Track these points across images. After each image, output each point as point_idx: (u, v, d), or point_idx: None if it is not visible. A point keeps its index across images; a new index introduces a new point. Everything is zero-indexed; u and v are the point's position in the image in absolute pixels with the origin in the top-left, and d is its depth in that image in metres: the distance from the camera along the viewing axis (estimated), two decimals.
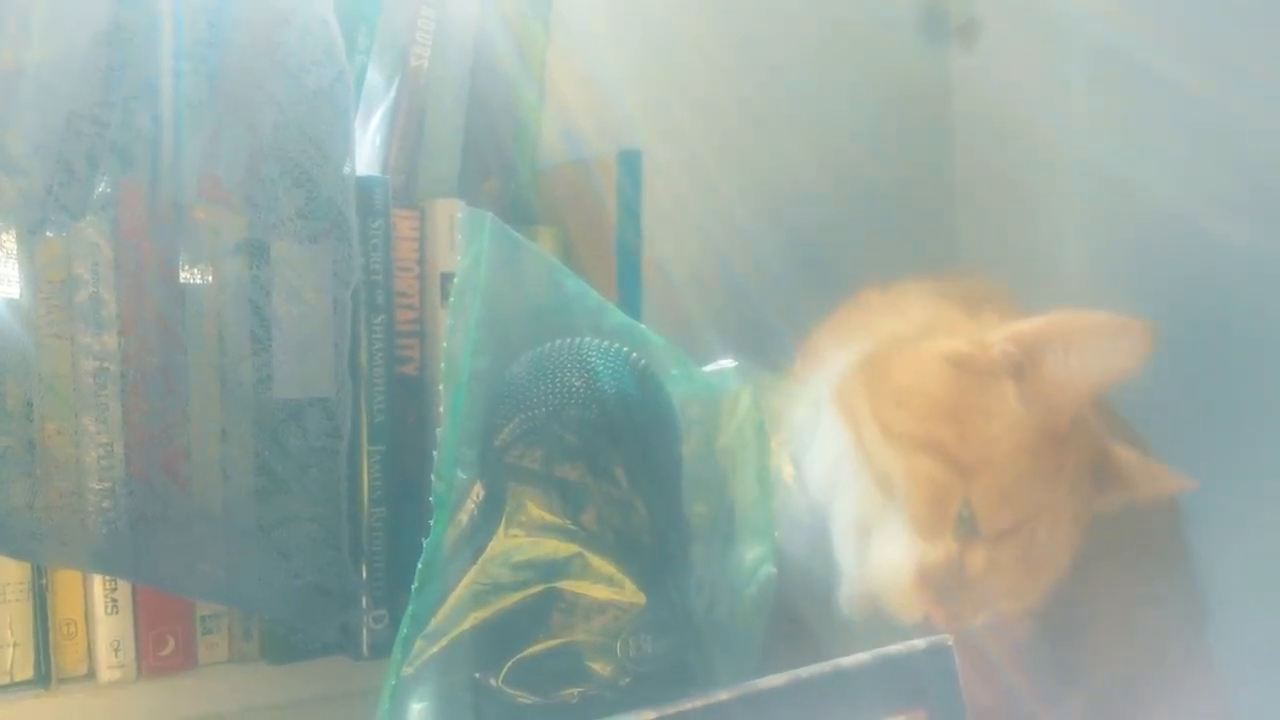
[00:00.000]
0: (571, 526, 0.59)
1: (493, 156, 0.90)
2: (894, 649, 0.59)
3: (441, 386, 0.62)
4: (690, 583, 0.63)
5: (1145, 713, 0.72)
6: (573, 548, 0.59)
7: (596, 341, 0.63)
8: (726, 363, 0.71)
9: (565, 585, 0.59)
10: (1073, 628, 0.70)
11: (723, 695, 0.57)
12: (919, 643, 0.59)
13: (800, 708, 0.57)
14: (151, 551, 0.73)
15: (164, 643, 0.76)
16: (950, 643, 0.60)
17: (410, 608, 0.59)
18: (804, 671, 0.57)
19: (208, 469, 0.74)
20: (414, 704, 0.59)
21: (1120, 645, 0.70)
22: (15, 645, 0.72)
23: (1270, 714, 0.77)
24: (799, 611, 0.72)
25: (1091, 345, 0.64)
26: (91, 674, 0.75)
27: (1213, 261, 0.92)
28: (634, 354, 0.63)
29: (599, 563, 0.59)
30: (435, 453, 0.60)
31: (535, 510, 0.59)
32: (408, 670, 0.59)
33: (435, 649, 0.59)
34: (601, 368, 0.61)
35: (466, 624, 0.59)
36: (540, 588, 0.59)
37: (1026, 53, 1.12)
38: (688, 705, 0.56)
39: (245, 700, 0.77)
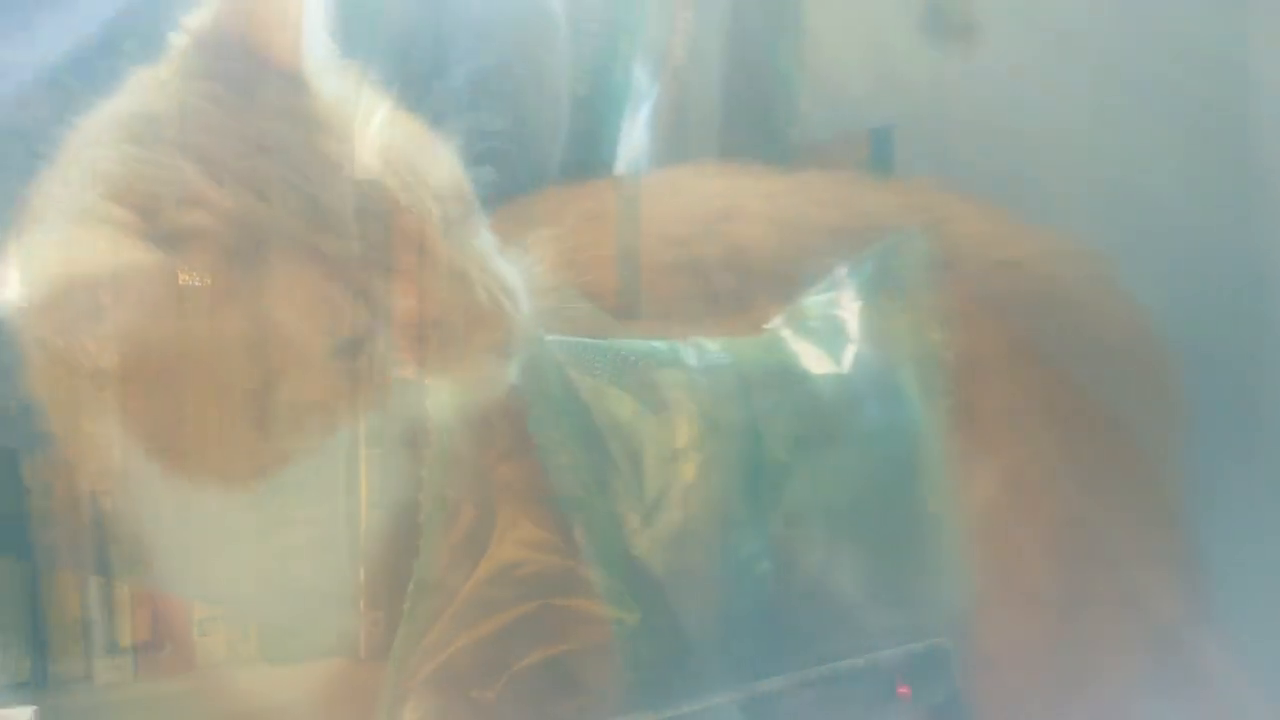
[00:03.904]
0: (564, 543, 0.59)
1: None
2: (890, 652, 0.59)
3: None
4: (685, 592, 0.62)
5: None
6: (567, 563, 0.59)
7: (584, 346, 0.62)
8: None
9: (559, 601, 0.58)
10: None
11: (720, 699, 0.57)
12: (916, 646, 0.60)
13: (797, 711, 0.58)
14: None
15: (161, 645, 0.76)
16: (949, 645, 0.60)
17: (402, 629, 0.58)
18: (800, 676, 0.58)
19: None
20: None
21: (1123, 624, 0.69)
22: (12, 646, 0.72)
23: None
24: None
25: None
26: (89, 676, 0.74)
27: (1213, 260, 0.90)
28: (624, 360, 0.62)
29: (593, 577, 0.59)
30: (424, 472, 0.59)
31: (528, 527, 0.59)
32: (403, 686, 0.58)
33: (430, 666, 0.58)
34: (588, 375, 0.61)
35: (460, 641, 0.58)
36: (534, 604, 0.58)
37: None
38: (685, 709, 0.56)
39: (242, 703, 0.77)
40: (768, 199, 0.73)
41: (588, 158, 0.81)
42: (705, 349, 0.63)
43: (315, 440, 0.52)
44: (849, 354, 0.64)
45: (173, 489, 0.54)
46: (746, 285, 0.68)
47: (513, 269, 0.57)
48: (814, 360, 0.63)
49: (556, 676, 0.59)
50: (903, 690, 0.60)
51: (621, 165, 0.82)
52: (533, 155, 0.78)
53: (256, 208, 0.49)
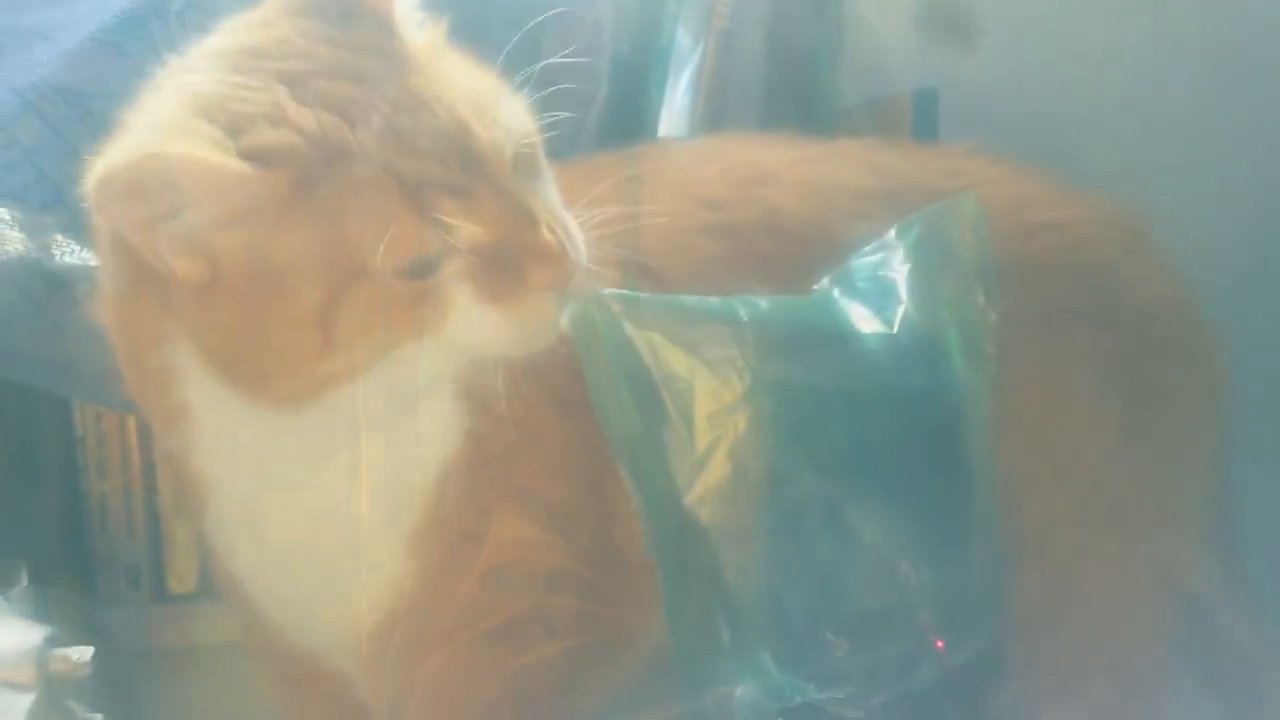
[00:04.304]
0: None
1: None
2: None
3: None
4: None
5: None
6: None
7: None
8: None
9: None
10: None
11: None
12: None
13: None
14: None
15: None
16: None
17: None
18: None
19: None
20: None
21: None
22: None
23: None
24: None
25: None
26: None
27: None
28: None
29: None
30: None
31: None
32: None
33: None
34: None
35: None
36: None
37: None
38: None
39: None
40: (803, 164, 0.74)
41: (629, 119, 0.82)
42: (757, 306, 0.64)
43: (375, 358, 0.53)
44: (897, 315, 0.65)
45: (229, 415, 0.55)
46: (782, 248, 0.70)
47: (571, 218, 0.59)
48: (862, 320, 0.65)
49: (554, 675, 0.61)
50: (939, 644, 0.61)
51: (663, 128, 0.82)
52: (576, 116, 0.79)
53: (340, 129, 0.51)
